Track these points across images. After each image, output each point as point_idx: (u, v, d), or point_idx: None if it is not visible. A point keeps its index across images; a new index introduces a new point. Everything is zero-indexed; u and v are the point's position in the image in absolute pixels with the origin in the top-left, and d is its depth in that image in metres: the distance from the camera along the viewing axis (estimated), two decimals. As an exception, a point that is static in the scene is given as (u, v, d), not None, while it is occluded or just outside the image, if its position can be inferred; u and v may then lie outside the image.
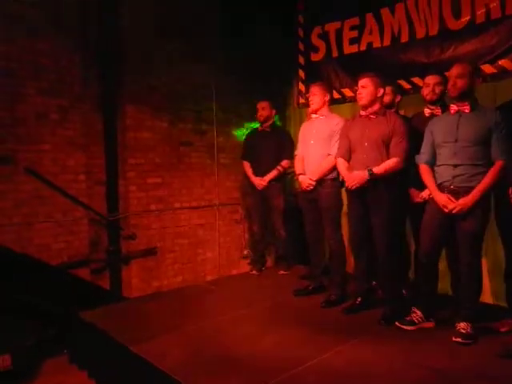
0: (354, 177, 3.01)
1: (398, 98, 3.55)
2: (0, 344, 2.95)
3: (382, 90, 3.06)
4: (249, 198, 4.73)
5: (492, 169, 2.64)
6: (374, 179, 2.97)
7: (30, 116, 3.74)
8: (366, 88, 3.04)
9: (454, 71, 2.71)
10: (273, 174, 4.26)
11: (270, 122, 4.40)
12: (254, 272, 4.48)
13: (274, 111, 4.43)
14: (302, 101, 4.91)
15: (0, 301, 3.17)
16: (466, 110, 2.72)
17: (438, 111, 3.08)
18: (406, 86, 3.96)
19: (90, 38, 4.10)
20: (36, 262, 3.63)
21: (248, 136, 4.58)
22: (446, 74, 2.86)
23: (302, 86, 4.88)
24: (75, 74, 4.00)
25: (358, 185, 2.99)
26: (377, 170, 2.96)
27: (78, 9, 4.01)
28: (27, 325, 3.19)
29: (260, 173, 4.37)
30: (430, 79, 3.16)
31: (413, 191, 3.17)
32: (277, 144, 4.24)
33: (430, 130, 2.88)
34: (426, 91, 3.18)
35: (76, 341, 3.28)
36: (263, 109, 4.36)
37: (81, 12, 4.03)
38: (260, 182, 4.29)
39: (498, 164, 2.64)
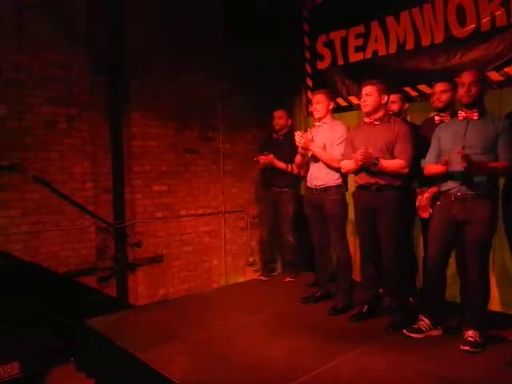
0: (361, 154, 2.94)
1: (406, 106, 3.54)
2: (8, 352, 2.96)
3: (385, 97, 3.06)
4: (260, 204, 4.72)
5: (502, 162, 2.61)
6: (377, 169, 2.95)
7: (38, 125, 3.79)
8: (369, 95, 3.05)
9: (468, 78, 2.67)
10: (281, 164, 4.23)
11: (285, 131, 4.38)
12: (262, 278, 4.48)
13: (290, 121, 4.42)
14: (310, 109, 4.92)
15: (8, 310, 3.19)
16: (475, 117, 2.70)
17: (447, 118, 3.06)
18: (413, 93, 3.96)
19: (97, 48, 4.15)
20: (43, 270, 3.65)
21: (262, 143, 4.59)
22: (458, 80, 2.77)
23: (310, 94, 4.89)
24: (83, 84, 4.05)
25: (364, 159, 2.92)
26: (382, 161, 2.94)
27: (86, 19, 4.06)
28: (35, 333, 3.21)
29: (271, 180, 4.38)
30: (437, 87, 3.16)
31: (419, 203, 3.15)
32: (289, 151, 4.20)
33: (437, 136, 2.87)
34: (433, 99, 3.18)
35: (83, 348, 3.29)
36: (279, 117, 4.36)
37: (89, 22, 4.09)
38: (265, 158, 4.25)
39: (506, 163, 2.61)
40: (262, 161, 4.30)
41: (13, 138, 3.65)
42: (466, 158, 2.50)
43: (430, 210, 3.01)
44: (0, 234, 3.55)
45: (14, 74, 3.65)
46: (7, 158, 3.61)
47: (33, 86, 3.75)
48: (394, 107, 3.37)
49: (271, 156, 4.24)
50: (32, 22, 3.73)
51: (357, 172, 3.12)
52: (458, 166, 2.66)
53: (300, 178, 4.34)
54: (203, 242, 4.91)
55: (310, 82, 4.88)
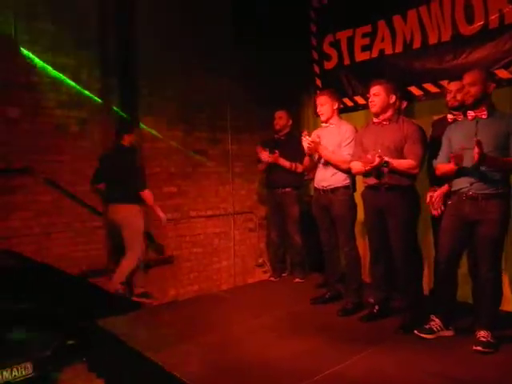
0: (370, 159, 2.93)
1: (404, 105, 3.53)
2: (21, 352, 3.00)
3: (394, 97, 3.05)
4: (265, 206, 4.74)
5: None
6: (387, 168, 2.93)
7: (50, 128, 3.85)
8: (377, 95, 3.04)
9: (466, 79, 2.71)
10: (286, 163, 4.24)
11: (286, 131, 4.41)
12: (272, 278, 4.49)
13: (290, 121, 4.44)
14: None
15: (20, 310, 3.23)
16: (484, 116, 2.70)
17: (460, 117, 3.03)
18: (418, 92, 3.94)
19: (108, 51, 4.20)
20: (55, 271, 3.69)
21: (264, 144, 4.60)
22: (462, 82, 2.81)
23: (318, 94, 4.89)
24: (94, 87, 4.10)
25: (377, 166, 2.90)
26: (392, 161, 2.92)
27: (96, 24, 4.11)
28: (47, 333, 3.24)
29: (274, 181, 4.39)
30: (452, 85, 3.14)
31: (430, 201, 3.13)
32: (291, 150, 4.21)
33: (447, 137, 2.86)
34: (447, 97, 3.17)
35: (95, 349, 3.32)
36: (280, 118, 4.39)
37: (99, 27, 4.14)
38: (269, 156, 4.26)
39: None
40: (264, 158, 4.31)
41: (25, 141, 3.70)
42: (478, 142, 2.48)
43: (442, 208, 2.99)
44: (13, 235, 3.60)
45: (26, 77, 3.71)
46: (20, 161, 3.67)
47: (45, 90, 3.81)
48: None
49: (277, 154, 4.26)
50: (43, 27, 3.78)
51: (366, 174, 3.11)
52: (469, 163, 2.65)
53: (304, 177, 4.34)
54: (213, 244, 4.93)
55: (318, 83, 4.87)
